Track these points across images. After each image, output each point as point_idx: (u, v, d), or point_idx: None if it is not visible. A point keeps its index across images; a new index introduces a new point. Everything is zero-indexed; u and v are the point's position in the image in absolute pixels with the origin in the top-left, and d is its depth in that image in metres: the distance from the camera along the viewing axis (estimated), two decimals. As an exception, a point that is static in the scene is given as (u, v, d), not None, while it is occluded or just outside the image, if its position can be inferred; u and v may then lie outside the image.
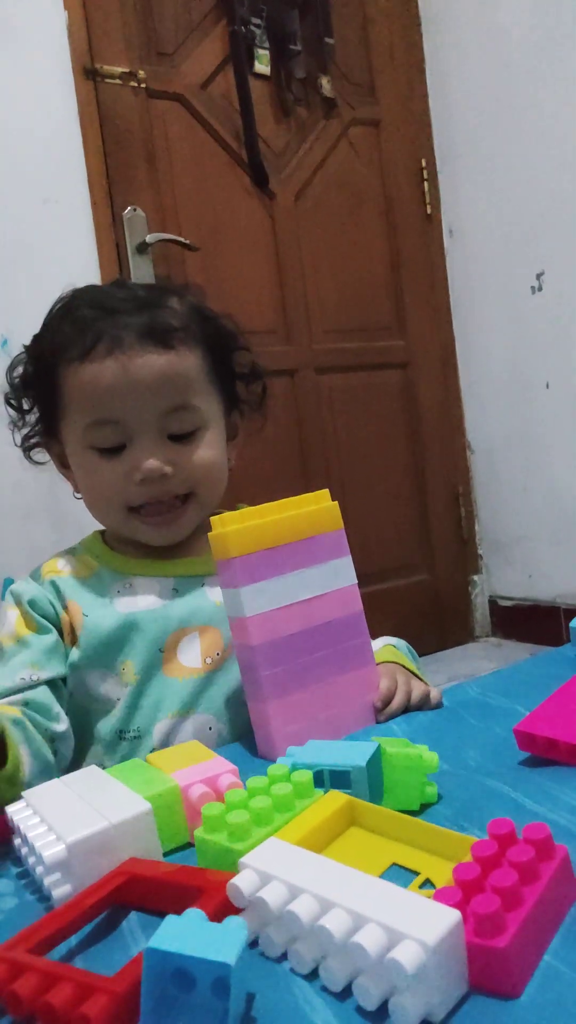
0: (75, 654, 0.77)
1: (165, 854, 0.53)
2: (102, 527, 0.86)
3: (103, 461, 0.77)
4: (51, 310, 0.81)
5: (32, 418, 0.84)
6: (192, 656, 0.77)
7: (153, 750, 0.74)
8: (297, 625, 0.70)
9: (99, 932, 0.45)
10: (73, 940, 0.44)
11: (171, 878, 0.46)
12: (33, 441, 0.85)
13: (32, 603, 0.79)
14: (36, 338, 0.82)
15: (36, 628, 0.78)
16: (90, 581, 0.80)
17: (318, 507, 0.73)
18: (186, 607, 0.79)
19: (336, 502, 0.74)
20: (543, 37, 2.16)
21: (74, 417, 0.77)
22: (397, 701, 0.72)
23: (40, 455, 0.86)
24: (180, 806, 0.54)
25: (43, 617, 0.78)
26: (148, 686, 0.76)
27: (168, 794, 0.53)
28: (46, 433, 0.84)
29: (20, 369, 0.83)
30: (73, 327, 0.76)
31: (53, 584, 0.80)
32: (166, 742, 0.75)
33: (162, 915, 0.39)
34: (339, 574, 0.73)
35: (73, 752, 0.77)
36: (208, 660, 0.77)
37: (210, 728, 0.76)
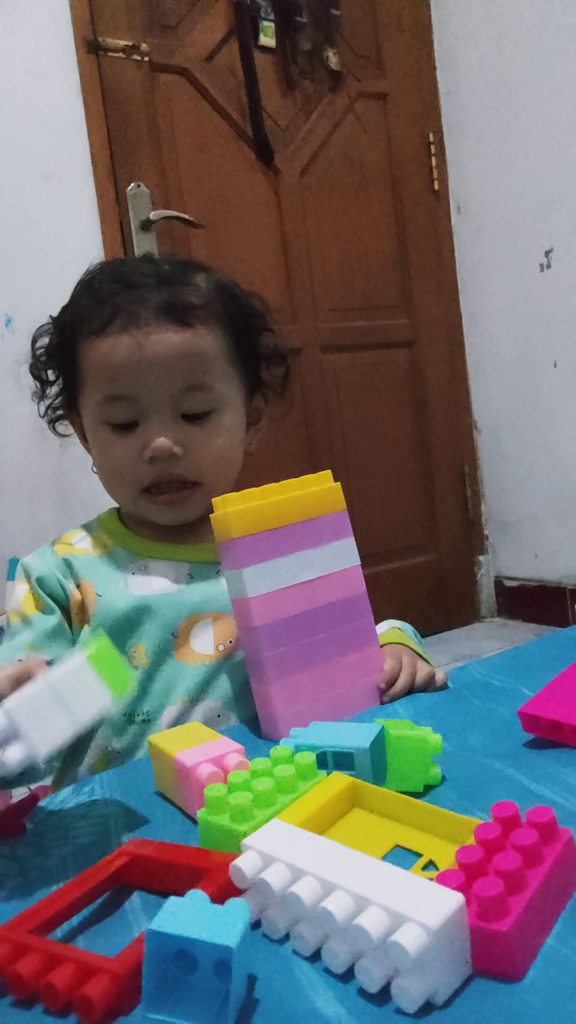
0: (86, 632, 0.77)
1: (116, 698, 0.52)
2: (114, 505, 0.86)
3: (116, 437, 0.77)
4: (76, 285, 0.82)
5: (54, 390, 0.84)
6: (205, 642, 0.77)
7: None
8: (300, 606, 0.70)
9: (101, 913, 0.45)
10: (75, 920, 0.44)
11: (173, 859, 0.46)
12: (58, 413, 0.85)
13: (40, 581, 0.78)
14: (61, 310, 0.82)
15: (42, 607, 0.77)
16: (104, 560, 0.80)
17: (320, 488, 0.72)
18: (200, 593, 0.78)
19: (339, 483, 0.74)
20: (553, 10, 2.12)
21: (90, 392, 0.77)
22: (401, 682, 0.72)
23: (64, 427, 0.86)
24: (115, 653, 0.54)
25: (50, 596, 0.78)
26: (159, 670, 0.76)
27: (102, 646, 0.54)
28: (68, 406, 0.84)
29: (44, 340, 0.83)
30: (92, 300, 0.76)
31: (66, 562, 0.80)
32: (173, 727, 0.75)
33: (164, 896, 0.39)
34: (342, 555, 0.72)
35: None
36: (220, 647, 0.77)
37: (219, 716, 0.76)
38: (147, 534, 0.82)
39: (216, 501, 0.69)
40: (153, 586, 0.78)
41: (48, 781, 0.81)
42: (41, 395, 0.85)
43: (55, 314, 0.83)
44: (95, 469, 0.83)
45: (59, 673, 0.51)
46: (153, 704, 0.76)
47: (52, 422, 0.86)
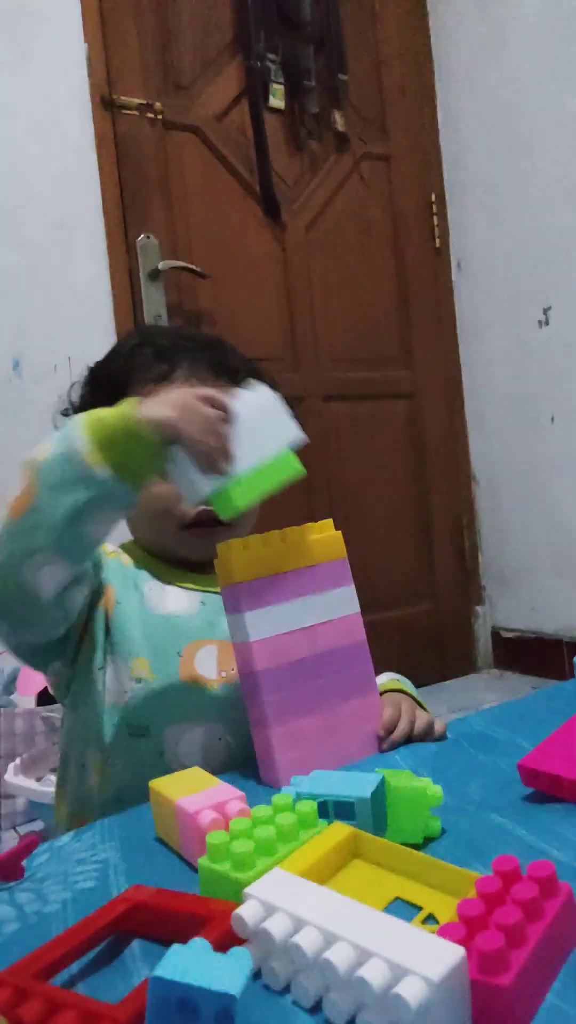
0: (100, 633, 0.79)
1: None
2: (133, 538, 0.89)
3: (160, 478, 0.79)
4: (120, 342, 0.91)
5: None
6: (208, 667, 0.79)
7: (162, 752, 0.75)
8: (300, 652, 0.70)
9: (101, 959, 0.45)
10: (75, 967, 0.44)
11: (174, 906, 0.46)
12: None
13: None
14: (104, 363, 0.89)
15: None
16: (128, 571, 0.83)
17: (322, 536, 0.74)
18: (209, 620, 0.81)
19: (340, 532, 0.75)
20: (551, 76, 2.20)
21: None
22: (400, 730, 0.73)
23: None
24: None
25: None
26: (163, 687, 0.77)
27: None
28: None
29: (76, 390, 0.89)
30: (152, 352, 0.84)
31: (99, 560, 0.82)
32: (175, 746, 0.75)
33: (165, 944, 0.39)
34: (342, 602, 0.73)
35: (76, 739, 0.80)
36: (223, 674, 0.78)
37: (219, 738, 0.77)
38: (168, 563, 0.85)
39: (220, 547, 0.70)
40: (167, 607, 0.81)
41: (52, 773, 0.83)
42: None
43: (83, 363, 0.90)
44: None
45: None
46: (156, 720, 0.76)
47: None
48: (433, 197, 2.53)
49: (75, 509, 0.62)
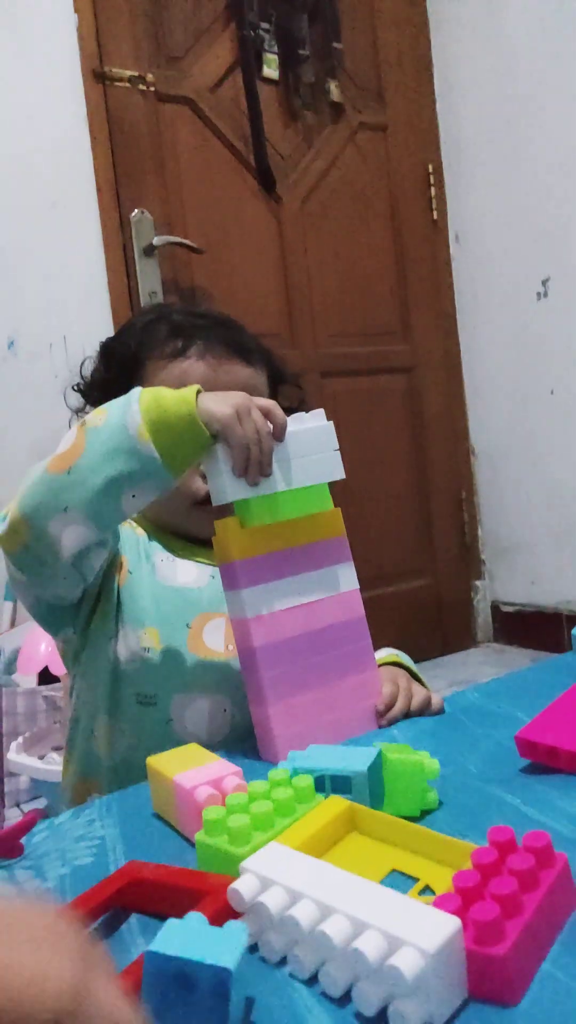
0: (112, 602, 0.79)
1: None
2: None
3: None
4: (134, 319, 0.91)
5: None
6: (216, 640, 0.79)
7: (169, 720, 0.76)
8: (298, 628, 0.70)
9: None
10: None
11: (171, 881, 0.46)
12: None
13: None
14: (117, 339, 0.89)
15: None
16: (140, 543, 0.84)
17: (319, 513, 0.73)
18: (218, 593, 0.80)
19: (338, 508, 0.75)
20: (549, 44, 2.16)
21: None
22: (399, 706, 0.73)
23: None
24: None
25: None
26: (171, 657, 0.78)
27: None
28: None
29: (88, 365, 0.90)
30: (168, 328, 0.84)
31: (117, 528, 0.82)
32: (181, 715, 0.76)
33: (162, 918, 0.39)
34: (341, 579, 0.73)
35: (85, 704, 0.80)
36: (231, 647, 0.79)
37: (224, 710, 0.78)
38: (176, 537, 0.86)
39: (218, 525, 0.70)
40: (178, 579, 0.82)
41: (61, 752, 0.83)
42: (82, 412, 0.89)
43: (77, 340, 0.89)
44: None
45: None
46: (164, 690, 0.77)
47: None
48: (430, 168, 2.50)
49: (115, 479, 0.65)
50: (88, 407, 0.88)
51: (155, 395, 0.66)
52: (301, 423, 0.72)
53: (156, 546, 0.84)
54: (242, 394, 0.69)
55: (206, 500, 0.80)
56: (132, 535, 0.84)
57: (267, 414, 0.69)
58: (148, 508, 0.87)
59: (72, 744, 0.83)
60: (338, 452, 0.74)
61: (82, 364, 0.91)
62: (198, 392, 0.67)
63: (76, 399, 0.90)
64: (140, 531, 0.86)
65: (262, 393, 0.85)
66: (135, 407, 0.65)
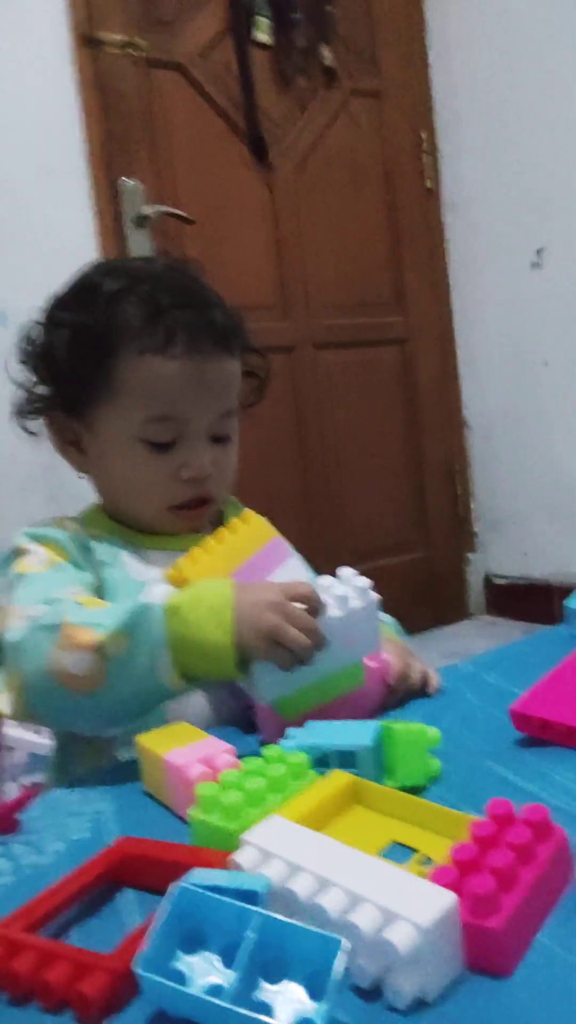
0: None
1: None
2: (97, 502, 0.84)
3: (152, 456, 0.76)
4: (94, 279, 0.78)
5: (42, 388, 0.80)
6: None
7: (165, 719, 0.74)
8: None
9: (94, 909, 0.45)
10: (69, 916, 0.44)
11: (166, 856, 0.46)
12: (35, 407, 0.81)
13: (64, 544, 0.76)
14: (76, 306, 0.78)
15: (73, 563, 0.76)
16: (103, 545, 0.79)
17: (250, 526, 0.73)
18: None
19: (263, 516, 0.74)
20: (545, 9, 2.12)
21: (127, 407, 0.75)
22: (412, 682, 0.72)
23: (33, 424, 0.82)
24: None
25: (74, 563, 0.76)
26: None
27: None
28: (65, 409, 0.79)
29: (36, 334, 0.80)
30: (143, 311, 0.74)
31: (76, 537, 0.78)
32: (176, 705, 0.72)
33: (157, 893, 0.39)
34: (294, 574, 0.73)
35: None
36: None
37: (221, 699, 0.75)
38: (138, 528, 0.81)
39: (171, 574, 0.68)
40: (152, 572, 0.77)
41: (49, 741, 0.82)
42: (31, 389, 0.81)
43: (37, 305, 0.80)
44: (81, 475, 0.82)
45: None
46: None
47: (23, 415, 0.82)
48: (424, 135, 2.46)
49: (145, 705, 0.65)
50: (39, 387, 0.80)
51: (184, 639, 0.61)
52: (346, 608, 0.64)
53: (119, 543, 0.79)
54: (276, 602, 0.61)
55: (183, 504, 0.78)
56: (86, 545, 0.78)
57: (307, 602, 0.62)
58: (109, 502, 0.82)
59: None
60: (379, 624, 0.68)
61: (30, 329, 0.80)
62: (232, 619, 0.60)
63: (19, 371, 0.80)
64: (96, 533, 0.79)
65: (239, 383, 0.80)
66: (166, 657, 0.61)
